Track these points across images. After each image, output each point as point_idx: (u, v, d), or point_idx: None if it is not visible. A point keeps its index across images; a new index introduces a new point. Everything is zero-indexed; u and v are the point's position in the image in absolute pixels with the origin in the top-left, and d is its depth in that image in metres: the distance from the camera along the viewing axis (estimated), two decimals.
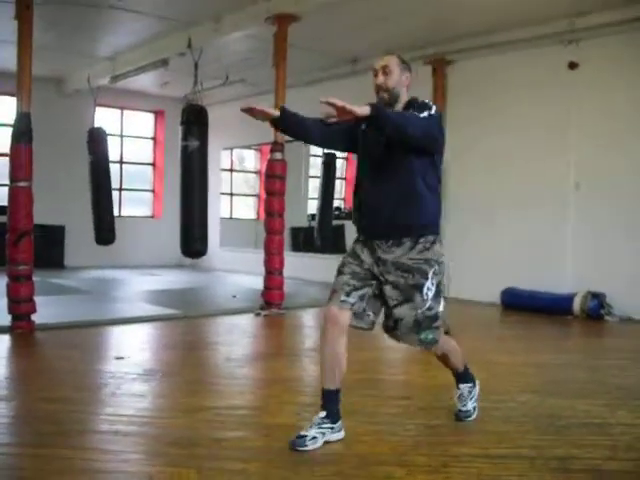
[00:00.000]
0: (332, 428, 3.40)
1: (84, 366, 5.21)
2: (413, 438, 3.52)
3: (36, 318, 6.48)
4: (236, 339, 6.69)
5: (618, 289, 7.78)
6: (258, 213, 15.39)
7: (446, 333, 3.66)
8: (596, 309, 7.72)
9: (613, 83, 8.03)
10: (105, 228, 11.03)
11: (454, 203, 9.71)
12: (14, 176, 6.36)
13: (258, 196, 15.58)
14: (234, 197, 15.71)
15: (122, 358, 5.38)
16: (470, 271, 9.31)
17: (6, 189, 6.50)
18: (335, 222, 14.41)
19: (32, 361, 5.59)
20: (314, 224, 14.60)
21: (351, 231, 12.14)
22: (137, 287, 10.52)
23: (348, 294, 3.40)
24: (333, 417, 3.41)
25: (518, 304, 8.41)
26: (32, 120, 6.40)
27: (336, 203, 15.14)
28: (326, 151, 14.70)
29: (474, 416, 3.78)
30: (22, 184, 6.35)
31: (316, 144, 4.25)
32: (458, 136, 9.58)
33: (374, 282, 3.43)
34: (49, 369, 5.20)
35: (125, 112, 14.47)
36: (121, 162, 14.39)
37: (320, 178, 14.48)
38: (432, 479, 2.91)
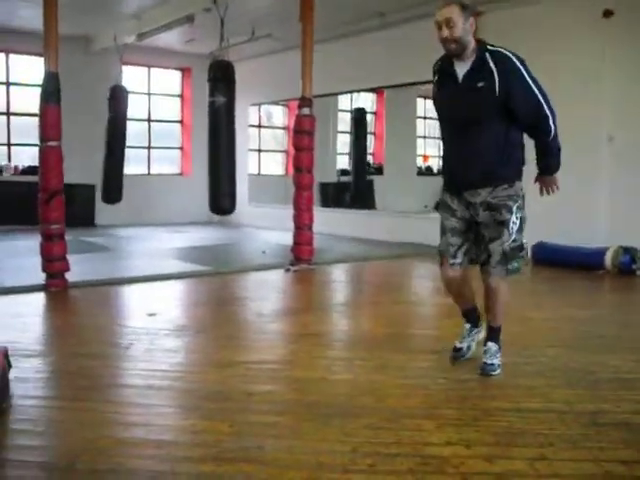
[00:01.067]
0: (479, 331, 4.09)
1: (117, 322, 5.31)
2: (443, 392, 3.54)
3: (69, 276, 6.58)
4: (266, 294, 6.74)
5: None
6: (287, 169, 15.37)
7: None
8: (628, 264, 7.62)
9: None
10: (112, 187, 11.10)
11: None
12: (44, 136, 6.40)
13: (287, 152, 15.54)
14: (262, 153, 15.69)
15: (154, 314, 5.45)
16: None
17: (37, 149, 6.56)
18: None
19: (67, 318, 5.70)
20: (344, 179, 14.57)
21: (380, 186, 12.09)
22: (167, 244, 10.60)
23: (454, 255, 3.82)
24: (476, 324, 4.10)
25: (549, 259, 8.33)
26: (60, 80, 6.41)
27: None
28: (356, 106, 14.60)
29: (498, 371, 3.80)
30: (52, 144, 6.39)
31: None
32: None
33: (471, 230, 3.78)
34: (83, 326, 5.30)
35: (152, 70, 14.44)
36: (149, 120, 14.42)
37: (351, 134, 14.39)
38: (462, 432, 2.92)
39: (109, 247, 10.03)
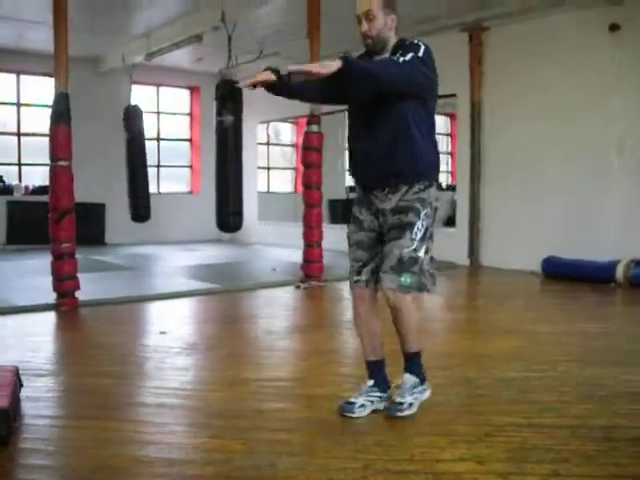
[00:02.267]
0: (381, 397, 3.41)
1: (128, 341, 5.31)
2: (455, 408, 3.53)
3: (80, 295, 6.60)
4: (276, 312, 6.74)
5: None
6: (295, 186, 15.41)
7: (426, 291, 3.44)
8: (639, 277, 7.59)
9: None
10: (141, 205, 11.14)
11: (491, 170, 9.64)
12: (54, 156, 6.44)
13: (295, 169, 15.59)
14: (271, 171, 15.74)
15: (165, 332, 5.46)
16: (510, 239, 9.24)
17: (47, 169, 6.60)
18: None
19: (77, 337, 5.71)
20: (353, 196, 14.56)
21: None
22: (177, 262, 10.63)
23: (359, 272, 3.43)
24: (381, 386, 3.43)
25: (560, 272, 8.31)
26: (70, 100, 6.46)
27: None
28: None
29: (408, 412, 3.32)
30: (62, 163, 6.44)
31: (313, 101, 4.15)
32: (495, 101, 9.48)
33: (379, 245, 3.37)
34: (94, 344, 5.31)
35: (161, 89, 14.54)
36: (158, 139, 14.48)
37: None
38: (474, 449, 2.91)
39: (119, 266, 10.05)
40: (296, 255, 8.76)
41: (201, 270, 9.56)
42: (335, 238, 10.47)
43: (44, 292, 6.60)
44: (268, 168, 15.62)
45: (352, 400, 3.37)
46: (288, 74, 3.13)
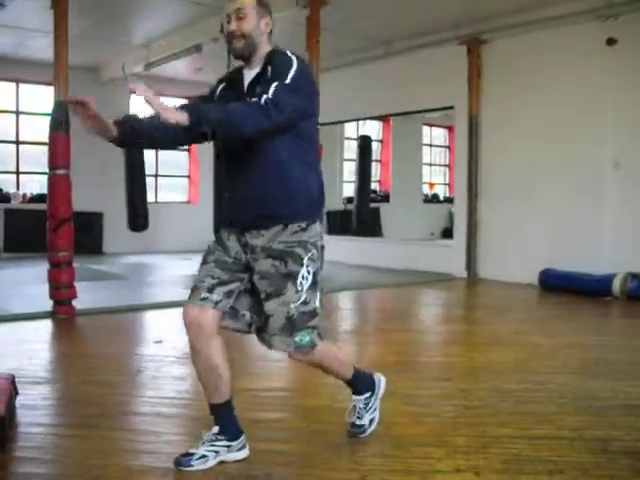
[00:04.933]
0: (229, 446, 2.89)
1: (124, 350, 5.30)
2: (452, 419, 3.52)
3: (77, 303, 6.58)
4: None
5: None
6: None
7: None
8: (636, 290, 7.60)
9: None
10: (138, 215, 11.13)
11: (489, 182, 9.67)
12: (52, 164, 6.45)
13: None
14: None
15: (161, 342, 5.45)
16: (507, 252, 9.26)
17: (45, 177, 6.61)
18: (370, 205, 14.39)
19: (74, 345, 5.70)
20: (350, 207, 14.59)
21: (386, 213, 12.20)
22: (174, 272, 10.61)
23: (211, 290, 2.83)
24: (230, 433, 2.91)
25: (556, 285, 8.32)
26: (69, 108, 6.46)
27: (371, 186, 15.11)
28: (361, 134, 14.68)
29: (371, 429, 3.19)
30: (60, 172, 6.44)
31: (168, 146, 3.34)
32: (493, 114, 9.51)
33: (245, 274, 2.88)
34: (91, 353, 5.30)
35: (160, 99, 14.52)
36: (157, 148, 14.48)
37: (356, 161, 14.46)
38: (471, 460, 2.91)
39: (117, 275, 10.04)
40: None
41: None
42: (332, 248, 10.53)
43: (41, 300, 6.59)
44: None
45: (191, 451, 2.87)
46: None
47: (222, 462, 2.87)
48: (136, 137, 2.87)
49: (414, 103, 10.62)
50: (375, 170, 15.71)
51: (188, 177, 15.16)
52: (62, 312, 6.44)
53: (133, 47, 11.08)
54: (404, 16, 9.06)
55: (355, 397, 3.19)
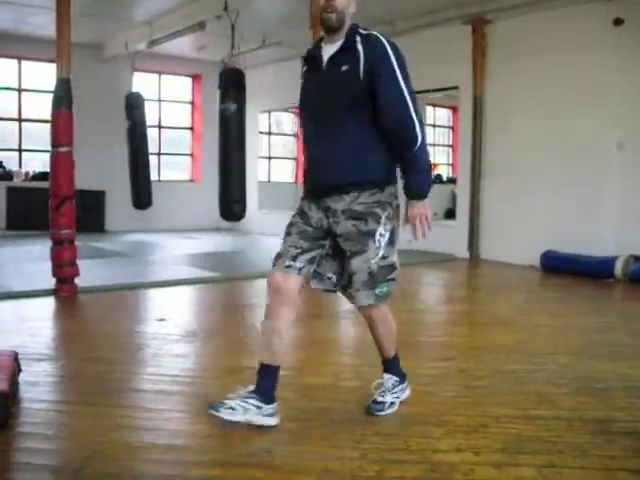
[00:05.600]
0: (259, 407, 3.01)
1: (127, 328, 5.32)
2: (452, 399, 3.54)
3: (79, 281, 6.60)
4: None
5: None
6: (296, 176, 15.39)
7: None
8: (638, 272, 7.60)
9: None
10: (142, 192, 11.16)
11: (492, 163, 9.63)
12: (55, 141, 6.43)
13: (296, 159, 15.57)
14: (272, 160, 15.72)
15: (164, 320, 5.47)
16: (509, 233, 9.24)
17: (48, 155, 6.60)
18: None
19: (77, 323, 5.72)
20: None
21: None
22: (176, 250, 10.63)
23: (294, 258, 3.04)
24: (264, 395, 3.04)
25: (558, 267, 8.32)
26: (71, 86, 6.45)
27: None
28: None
29: (389, 411, 3.27)
30: (63, 149, 6.42)
31: None
32: (497, 95, 9.46)
33: (326, 241, 3.10)
34: (93, 331, 5.31)
35: (163, 77, 14.51)
36: (159, 127, 14.47)
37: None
38: (471, 439, 2.92)
39: (119, 253, 10.05)
40: None
41: (201, 258, 9.57)
42: None
43: (44, 278, 6.61)
44: (269, 158, 15.61)
45: (225, 401, 3.04)
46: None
47: (249, 424, 2.99)
48: None
49: (418, 83, 10.36)
50: None
51: (191, 155, 15.13)
52: (65, 290, 6.46)
53: (136, 24, 11.01)
54: None
55: (386, 375, 3.34)
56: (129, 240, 11.89)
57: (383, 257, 3.01)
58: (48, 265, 6.57)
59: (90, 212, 12.38)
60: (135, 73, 11.68)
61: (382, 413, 3.24)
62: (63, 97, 6.40)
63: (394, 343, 3.33)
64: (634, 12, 7.90)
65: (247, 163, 8.47)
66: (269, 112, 15.04)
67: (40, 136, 12.01)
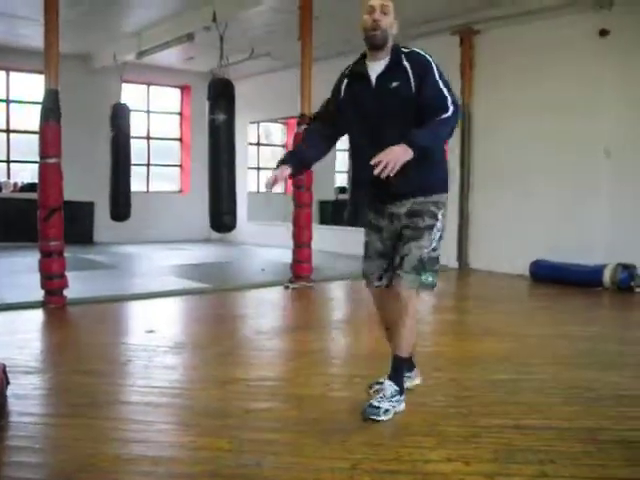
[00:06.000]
0: (409, 377, 3.67)
1: (116, 340, 5.29)
2: (443, 409, 3.53)
3: (68, 293, 6.57)
4: (265, 312, 6.74)
5: None
6: (286, 187, 15.39)
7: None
8: (626, 281, 7.63)
9: None
10: (121, 204, 11.15)
11: (481, 172, 9.67)
12: (43, 153, 6.41)
13: None
14: (261, 171, 15.72)
15: (153, 331, 5.44)
16: (499, 243, 9.27)
17: (36, 166, 6.57)
18: None
19: (65, 335, 5.69)
20: (342, 197, 14.59)
21: None
22: (166, 262, 10.60)
23: (380, 278, 3.53)
24: (400, 386, 3.44)
25: (547, 276, 8.34)
26: (60, 97, 6.44)
27: None
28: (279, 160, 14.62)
29: (384, 417, 3.28)
30: (51, 160, 6.41)
31: (322, 157, 3.80)
32: (485, 105, 9.51)
33: (395, 240, 3.48)
34: (82, 343, 5.29)
35: (151, 88, 14.50)
36: (148, 138, 14.46)
37: (349, 151, 14.44)
38: (462, 449, 2.91)
39: (108, 264, 10.02)
40: (285, 255, 8.76)
41: (190, 270, 9.54)
42: (325, 238, 10.55)
43: (32, 290, 6.57)
44: (258, 168, 15.61)
45: (373, 404, 3.34)
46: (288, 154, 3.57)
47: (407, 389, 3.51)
48: (302, 165, 3.65)
49: None
50: None
51: (180, 166, 15.11)
52: (53, 302, 6.42)
53: (124, 35, 11.02)
54: (397, 6, 8.99)
55: (387, 382, 3.44)
56: (118, 251, 11.85)
57: (434, 249, 3.39)
58: (37, 277, 6.53)
59: (79, 223, 12.35)
60: (124, 84, 11.69)
61: (377, 418, 3.26)
62: (51, 108, 6.39)
63: (412, 345, 3.56)
64: (620, 23, 7.96)
65: (236, 174, 8.47)
66: (258, 123, 15.05)
67: (28, 147, 11.97)
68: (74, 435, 3.09)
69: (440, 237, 3.41)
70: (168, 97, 14.92)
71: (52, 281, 6.45)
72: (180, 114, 15.02)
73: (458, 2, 8.89)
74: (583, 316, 6.55)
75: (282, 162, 3.48)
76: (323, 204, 14.15)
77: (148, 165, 14.52)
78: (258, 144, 15.64)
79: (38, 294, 6.46)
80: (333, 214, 14.34)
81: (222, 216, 8.15)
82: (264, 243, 13.15)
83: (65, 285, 6.53)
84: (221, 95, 8.10)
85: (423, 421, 3.30)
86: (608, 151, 8.15)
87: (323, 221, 13.65)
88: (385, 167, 3.03)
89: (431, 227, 3.34)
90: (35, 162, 6.66)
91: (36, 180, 6.70)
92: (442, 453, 2.87)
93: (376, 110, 3.33)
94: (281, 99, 12.27)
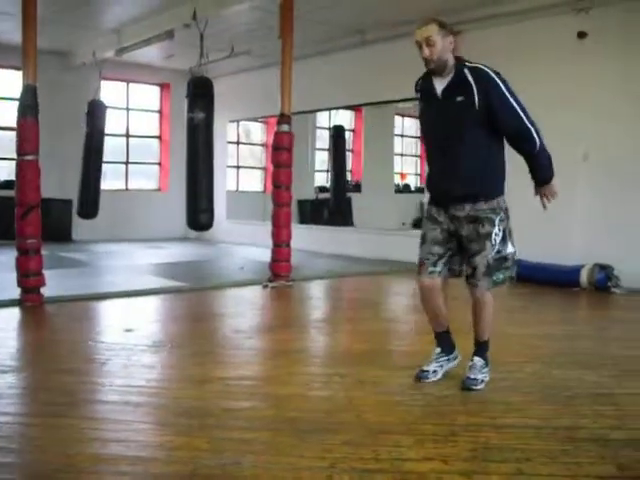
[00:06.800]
0: (448, 359, 4.01)
1: (94, 338, 5.26)
2: (421, 408, 3.55)
3: (45, 291, 6.51)
4: (244, 311, 6.72)
5: (625, 261, 7.74)
6: (265, 186, 15.38)
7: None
8: (603, 281, 7.70)
9: (623, 53, 7.94)
10: (89, 201, 11.10)
11: None
12: (21, 150, 6.35)
13: (265, 169, 15.55)
14: (241, 170, 15.68)
15: (131, 330, 5.41)
16: None
17: (13, 163, 6.51)
18: None
19: (42, 333, 5.64)
20: (322, 196, 14.61)
21: (358, 203, 12.12)
22: (144, 260, 10.54)
23: (435, 264, 3.85)
24: (447, 350, 4.02)
25: (525, 276, 8.36)
26: (38, 94, 6.38)
27: None
28: (335, 123, 14.67)
29: (480, 387, 3.80)
30: (29, 157, 6.34)
31: None
32: None
33: (453, 242, 3.82)
34: (59, 341, 5.24)
35: (131, 85, 14.41)
36: (127, 135, 14.37)
37: (330, 150, 14.45)
38: (440, 448, 2.93)
39: (86, 262, 9.95)
40: (264, 254, 8.75)
41: (168, 268, 9.50)
42: (304, 238, 10.55)
43: (8, 288, 6.51)
44: (237, 167, 15.56)
45: (425, 368, 3.94)
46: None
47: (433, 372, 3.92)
48: None
49: (387, 93, 10.61)
50: (347, 160, 15.71)
51: (159, 164, 15.04)
52: (30, 300, 6.36)
53: (104, 32, 10.94)
54: (379, 5, 9.05)
55: (476, 357, 3.92)
56: (96, 250, 11.77)
57: (498, 251, 3.74)
58: (13, 275, 6.47)
59: (57, 221, 12.24)
60: (103, 81, 11.61)
61: (476, 387, 3.78)
62: (29, 105, 6.33)
63: (490, 330, 3.94)
64: (597, 25, 8.04)
65: (215, 172, 8.44)
66: (238, 122, 15.01)
67: (5, 144, 11.83)
68: (51, 435, 3.07)
69: (504, 237, 3.77)
70: (147, 95, 14.83)
71: (29, 279, 6.39)
72: (160, 112, 14.94)
73: (441, 2, 8.91)
74: (561, 316, 6.61)
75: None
76: (302, 203, 14.16)
77: (127, 163, 14.43)
78: (238, 143, 15.59)
79: (15, 292, 6.40)
80: (312, 213, 14.36)
81: (199, 214, 8.12)
82: (243, 242, 13.12)
83: (42, 283, 6.48)
84: (200, 93, 8.07)
85: (401, 420, 3.31)
86: (586, 155, 8.21)
87: (302, 220, 13.65)
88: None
89: (489, 234, 3.70)
90: (12, 159, 6.60)
91: (13, 177, 6.64)
92: (420, 452, 2.89)
93: (442, 122, 3.70)
94: (261, 98, 12.26)
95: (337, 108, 13.93)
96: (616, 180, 8.01)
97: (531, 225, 8.70)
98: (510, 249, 3.84)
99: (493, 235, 3.71)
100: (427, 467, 2.73)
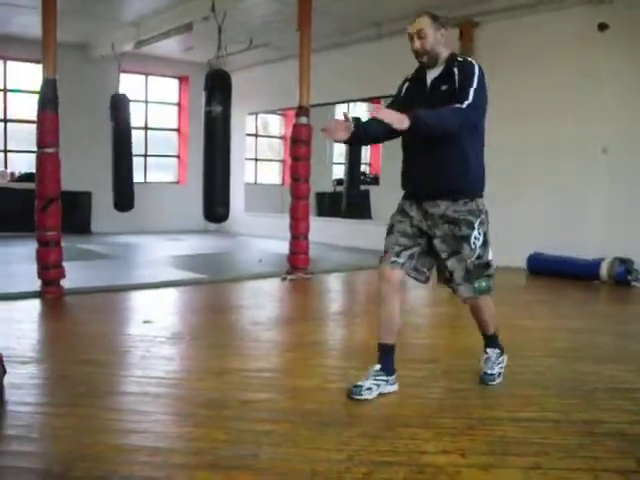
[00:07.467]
0: (386, 380, 3.60)
1: (113, 330, 5.29)
2: (438, 401, 3.55)
3: (65, 283, 6.57)
4: (262, 303, 6.74)
5: None
6: (283, 178, 15.39)
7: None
8: (623, 275, 7.65)
9: None
10: (124, 194, 11.16)
11: None
12: (41, 142, 6.40)
13: (283, 161, 15.57)
14: (259, 162, 15.71)
15: (150, 322, 5.45)
16: (496, 236, 9.21)
17: (34, 156, 6.56)
18: (360, 187, 14.39)
19: (62, 325, 5.69)
20: (340, 189, 14.59)
21: (376, 196, 12.14)
22: (163, 252, 10.60)
23: (398, 254, 3.57)
24: (388, 370, 3.61)
25: (544, 269, 8.35)
26: (58, 86, 6.42)
27: (361, 168, 15.10)
28: (353, 116, 14.62)
29: (498, 380, 3.79)
30: (49, 150, 6.39)
31: (380, 142, 4.26)
32: None
33: (423, 239, 3.59)
34: (79, 333, 5.29)
35: (149, 78, 14.46)
36: (146, 128, 14.43)
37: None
38: (457, 441, 2.93)
39: (105, 255, 10.01)
40: (282, 247, 8.76)
41: (187, 260, 9.54)
42: (322, 230, 10.55)
43: (29, 280, 6.57)
44: (256, 159, 15.59)
45: (360, 383, 3.55)
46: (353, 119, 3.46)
47: (381, 394, 3.54)
48: (363, 139, 3.73)
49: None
50: (365, 153, 15.67)
51: (177, 157, 15.09)
52: (50, 292, 6.42)
53: (123, 25, 10.98)
54: None
55: (489, 349, 3.92)
56: (115, 242, 11.84)
57: (478, 257, 3.54)
58: (34, 267, 6.53)
59: (76, 213, 12.34)
60: (122, 74, 11.65)
61: (493, 383, 3.76)
62: (49, 98, 6.37)
63: (494, 323, 3.93)
64: (618, 17, 7.95)
65: (234, 165, 8.47)
66: (256, 114, 15.02)
67: (26, 137, 11.94)
68: (71, 425, 3.10)
69: (483, 243, 3.56)
70: (166, 87, 14.88)
71: (49, 271, 6.45)
72: (178, 105, 14.99)
73: None
74: (580, 310, 6.57)
75: (355, 121, 3.48)
76: (320, 196, 14.15)
77: (146, 156, 14.49)
78: (256, 135, 15.62)
79: (35, 284, 6.46)
80: (330, 206, 14.35)
81: (215, 207, 8.16)
82: (261, 234, 13.15)
83: (62, 275, 6.53)
84: (217, 86, 8.09)
85: (419, 413, 3.31)
86: (605, 148, 8.15)
87: (320, 213, 13.65)
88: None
89: (468, 237, 3.49)
90: (33, 152, 6.65)
91: (33, 170, 6.69)
92: (438, 445, 2.89)
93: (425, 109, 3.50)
94: (279, 90, 12.26)
95: (354, 101, 13.89)
96: (636, 173, 7.94)
97: (550, 218, 8.69)
98: (490, 255, 3.65)
99: (472, 239, 3.50)
100: (445, 460, 2.73)
